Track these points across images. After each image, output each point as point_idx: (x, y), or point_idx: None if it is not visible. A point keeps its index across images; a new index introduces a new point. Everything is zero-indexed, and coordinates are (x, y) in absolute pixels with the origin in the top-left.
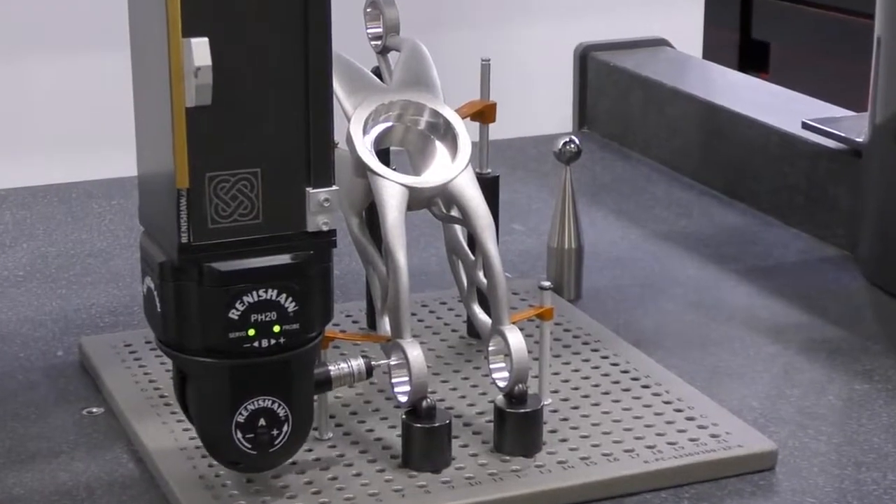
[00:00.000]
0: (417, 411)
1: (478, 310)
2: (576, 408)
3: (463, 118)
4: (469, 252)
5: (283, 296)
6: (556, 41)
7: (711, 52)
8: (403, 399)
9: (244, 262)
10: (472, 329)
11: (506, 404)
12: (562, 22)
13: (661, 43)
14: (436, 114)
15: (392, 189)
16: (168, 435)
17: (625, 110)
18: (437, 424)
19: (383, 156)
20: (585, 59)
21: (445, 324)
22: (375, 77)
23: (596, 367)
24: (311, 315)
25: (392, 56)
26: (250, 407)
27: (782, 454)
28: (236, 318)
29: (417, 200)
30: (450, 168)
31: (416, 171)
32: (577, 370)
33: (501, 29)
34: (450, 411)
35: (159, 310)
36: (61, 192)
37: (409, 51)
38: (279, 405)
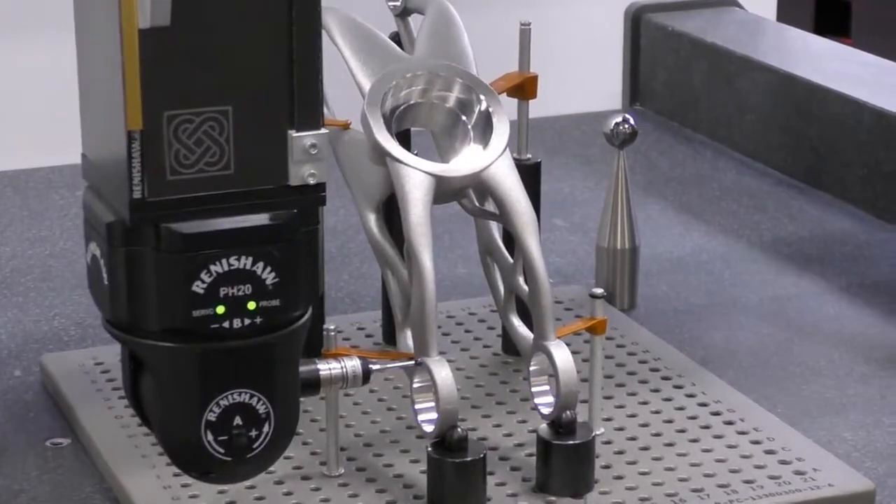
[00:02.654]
0: (446, 443)
1: (517, 322)
2: (633, 439)
3: (499, 93)
4: (507, 253)
5: (260, 265)
6: (605, 1)
7: (786, 12)
8: (429, 428)
9: (211, 223)
10: (510, 345)
11: (551, 435)
12: None
13: (729, 2)
14: (467, 88)
15: (415, 179)
16: (149, 471)
17: (686, 83)
18: (469, 459)
19: (404, 138)
20: (639, 22)
21: (477, 339)
22: (395, 44)
23: (656, 391)
24: (294, 289)
25: (414, 20)
26: (223, 402)
27: (881, 495)
28: (202, 291)
29: (445, 192)
30: (484, 153)
31: (444, 158)
32: (633, 394)
33: None
34: (484, 443)
35: (107, 282)
36: (15, 180)
37: (435, 13)
38: (258, 400)
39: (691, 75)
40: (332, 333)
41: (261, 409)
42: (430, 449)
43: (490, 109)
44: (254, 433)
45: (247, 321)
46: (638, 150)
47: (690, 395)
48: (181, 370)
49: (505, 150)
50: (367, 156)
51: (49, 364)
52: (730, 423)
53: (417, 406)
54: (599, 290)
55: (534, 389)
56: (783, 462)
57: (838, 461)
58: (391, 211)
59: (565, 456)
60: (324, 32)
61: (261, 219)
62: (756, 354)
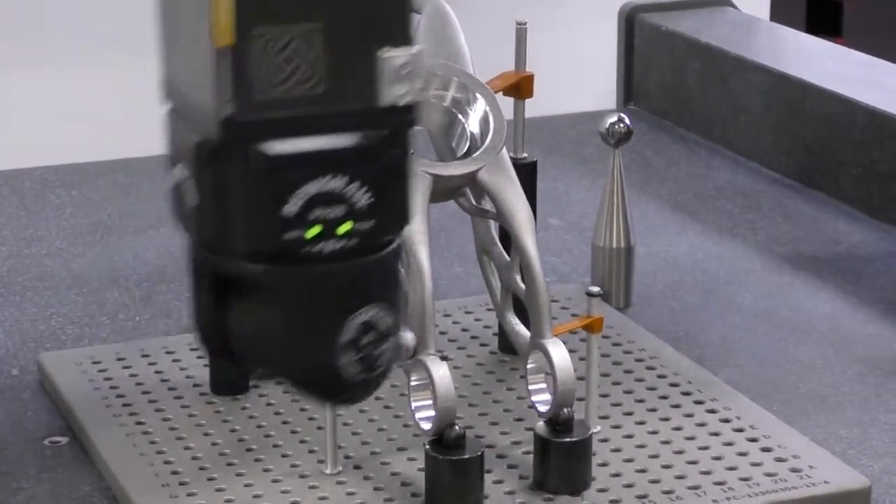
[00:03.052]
0: (443, 441)
1: (514, 320)
2: (630, 436)
3: (496, 92)
4: (504, 252)
5: (353, 186)
6: (600, 1)
7: (779, 12)
8: (427, 426)
9: (302, 143)
10: (507, 343)
11: (548, 432)
12: None
13: (723, 2)
14: (463, 87)
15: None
16: (147, 469)
17: (680, 83)
18: (466, 456)
19: None
20: (633, 22)
21: (473, 337)
22: None
23: (652, 389)
24: (388, 211)
25: None
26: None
27: (876, 492)
28: (292, 214)
29: (442, 191)
30: (480, 152)
31: (441, 157)
32: (630, 391)
33: None
34: (481, 441)
35: (194, 204)
36: (12, 179)
37: (432, 13)
38: (384, 314)
39: (685, 75)
40: None
41: (388, 320)
42: (427, 447)
43: (486, 108)
44: (378, 349)
45: (339, 245)
46: (633, 150)
47: (686, 394)
48: (273, 293)
49: (502, 148)
50: None
51: (47, 363)
52: (726, 420)
53: (415, 404)
54: (596, 289)
55: (531, 387)
56: (779, 459)
57: (834, 458)
58: None
59: (562, 453)
60: None
61: (351, 139)
62: (752, 353)
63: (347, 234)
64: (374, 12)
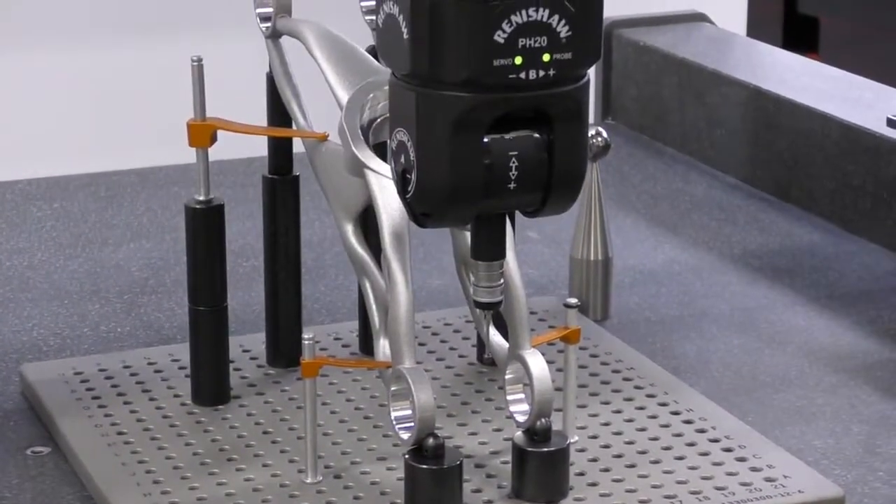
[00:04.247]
0: (422, 450)
1: (492, 332)
2: (607, 447)
3: None
4: None
5: (556, 17)
6: None
7: (756, 28)
8: (406, 436)
9: None
10: (485, 354)
11: (526, 442)
12: None
13: (699, 18)
14: None
15: (392, 190)
16: (128, 478)
17: (657, 97)
18: (445, 466)
19: (381, 150)
20: (610, 37)
21: (452, 348)
22: (372, 58)
23: (629, 400)
24: (584, 44)
25: None
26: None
27: (849, 501)
28: (502, 41)
29: None
30: None
31: None
32: (607, 402)
33: None
34: (460, 450)
35: (407, 36)
36: None
37: None
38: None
39: (662, 89)
40: (309, 342)
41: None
42: (406, 456)
43: None
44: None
45: (541, 72)
46: (610, 164)
47: (663, 404)
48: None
49: None
50: (345, 167)
51: (28, 373)
52: (702, 431)
53: (394, 414)
54: (573, 300)
55: (509, 398)
56: (754, 469)
57: (808, 468)
58: (368, 222)
59: (540, 463)
60: (301, 45)
61: None
62: (727, 364)
63: (548, 64)
64: None
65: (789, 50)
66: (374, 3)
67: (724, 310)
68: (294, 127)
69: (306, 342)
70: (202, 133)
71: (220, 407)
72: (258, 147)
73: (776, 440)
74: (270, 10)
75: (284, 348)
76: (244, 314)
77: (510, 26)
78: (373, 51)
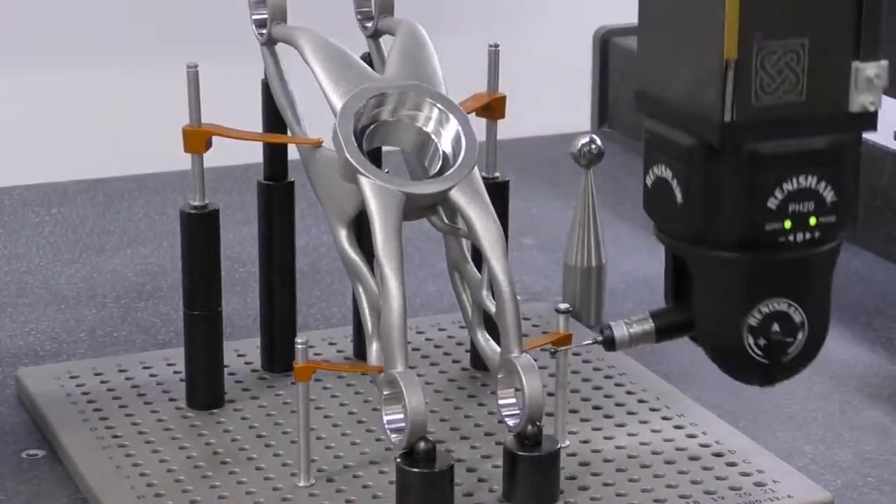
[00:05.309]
0: (414, 454)
1: (485, 337)
2: (597, 451)
3: (468, 113)
4: (475, 270)
5: (822, 184)
6: (574, 24)
7: None
8: (398, 439)
9: (786, 145)
10: (478, 359)
11: (517, 446)
12: (579, 2)
13: None
14: (436, 108)
15: (385, 195)
16: (122, 481)
17: None
18: (436, 470)
19: (375, 156)
20: (607, 45)
21: (445, 353)
22: (366, 65)
23: (621, 405)
24: (846, 206)
25: (385, 41)
26: (764, 310)
27: None
28: (774, 207)
29: (415, 209)
30: (452, 171)
31: (414, 175)
32: (598, 407)
33: (511, 10)
34: (451, 454)
35: (681, 199)
36: None
37: (406, 34)
38: (795, 309)
39: None
40: (302, 346)
41: (797, 317)
42: (398, 460)
43: (459, 128)
44: (789, 339)
45: (807, 235)
46: (605, 171)
47: (654, 409)
48: (734, 277)
49: (473, 168)
50: (339, 173)
51: (25, 377)
52: (692, 436)
53: (387, 418)
54: (565, 306)
55: (501, 402)
56: (744, 474)
57: (798, 473)
58: (362, 227)
59: (531, 467)
60: (296, 52)
61: (825, 141)
62: (719, 370)
63: (815, 227)
64: (851, 27)
65: None
66: (370, 9)
67: None
68: (289, 133)
69: (299, 346)
70: (197, 139)
71: (215, 411)
72: (253, 153)
73: (767, 445)
74: (266, 16)
75: (279, 353)
76: (239, 319)
77: (782, 193)
78: (367, 58)
